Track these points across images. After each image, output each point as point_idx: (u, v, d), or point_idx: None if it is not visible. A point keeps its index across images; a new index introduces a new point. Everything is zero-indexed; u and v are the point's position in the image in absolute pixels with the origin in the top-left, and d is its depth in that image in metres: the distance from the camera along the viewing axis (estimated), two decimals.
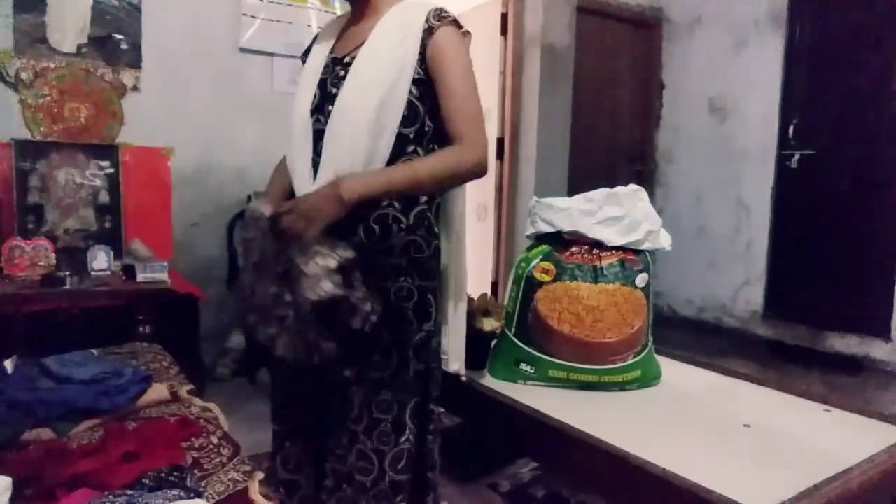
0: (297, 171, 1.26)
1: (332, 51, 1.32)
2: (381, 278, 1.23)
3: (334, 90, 1.24)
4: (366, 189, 1.15)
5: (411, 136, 1.23)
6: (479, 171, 1.24)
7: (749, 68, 4.04)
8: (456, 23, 1.24)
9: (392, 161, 1.21)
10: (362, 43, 1.24)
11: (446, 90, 1.21)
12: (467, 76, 1.23)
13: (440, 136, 1.26)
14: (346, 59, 1.26)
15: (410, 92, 1.21)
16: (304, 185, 1.24)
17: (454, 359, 1.53)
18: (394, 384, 1.25)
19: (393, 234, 1.23)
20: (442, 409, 1.42)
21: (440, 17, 1.22)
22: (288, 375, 1.34)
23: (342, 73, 1.25)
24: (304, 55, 1.42)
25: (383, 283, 1.23)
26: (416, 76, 1.21)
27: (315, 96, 1.27)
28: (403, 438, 1.25)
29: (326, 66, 1.30)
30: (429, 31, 1.21)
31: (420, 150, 1.24)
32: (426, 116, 1.24)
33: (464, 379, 1.62)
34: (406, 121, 1.21)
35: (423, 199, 1.27)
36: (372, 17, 1.28)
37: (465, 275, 1.47)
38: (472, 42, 1.30)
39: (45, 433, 1.27)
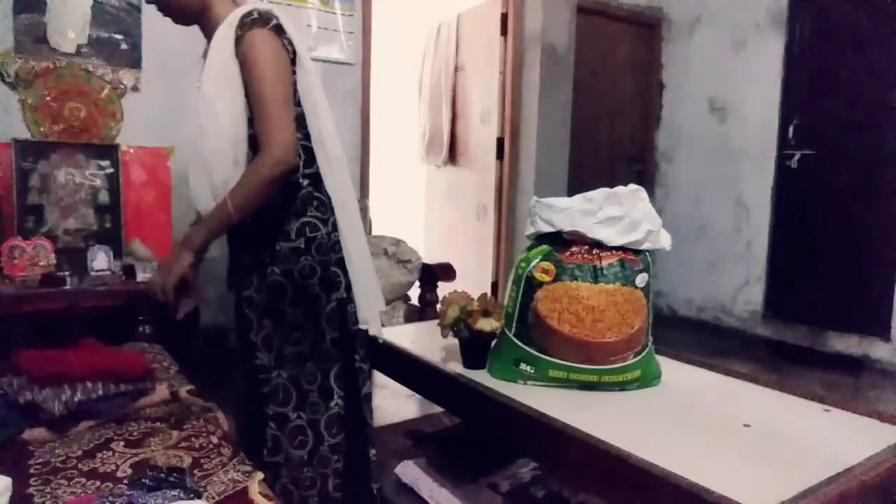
0: (190, 186, 1.41)
1: (203, 53, 1.46)
2: (284, 262, 1.38)
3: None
4: (202, 238, 1.35)
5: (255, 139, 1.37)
6: (282, 170, 1.31)
7: (749, 68, 4.04)
8: (260, 21, 1.31)
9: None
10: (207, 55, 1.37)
11: (249, 97, 1.32)
12: (263, 77, 1.30)
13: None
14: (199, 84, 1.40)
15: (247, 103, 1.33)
16: (195, 198, 1.40)
17: (371, 322, 1.56)
18: (314, 355, 1.43)
19: (286, 221, 1.38)
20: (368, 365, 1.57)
21: (244, 23, 1.31)
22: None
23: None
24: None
25: (287, 266, 1.38)
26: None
27: None
28: (332, 403, 1.43)
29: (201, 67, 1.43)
30: (237, 43, 1.30)
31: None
32: None
33: (385, 342, 1.70)
34: (251, 124, 1.34)
35: (304, 181, 1.40)
36: (213, 28, 1.37)
37: (363, 243, 1.54)
38: (288, 31, 1.37)
39: (44, 434, 1.27)
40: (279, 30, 1.34)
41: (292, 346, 1.41)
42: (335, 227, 1.45)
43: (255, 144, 1.34)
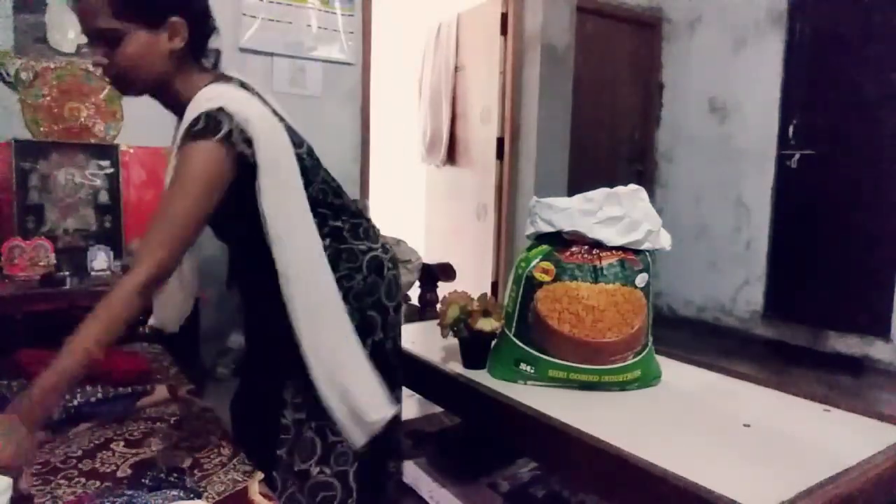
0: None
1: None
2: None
3: None
4: (42, 406, 0.97)
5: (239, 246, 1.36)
6: (142, 289, 1.06)
7: (749, 68, 4.04)
8: (210, 132, 1.10)
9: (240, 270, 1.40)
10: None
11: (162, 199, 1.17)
12: (177, 188, 1.12)
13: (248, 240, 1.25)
14: None
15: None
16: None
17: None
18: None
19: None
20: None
21: (191, 134, 1.11)
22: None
23: None
24: None
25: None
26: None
27: None
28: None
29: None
30: (179, 149, 1.13)
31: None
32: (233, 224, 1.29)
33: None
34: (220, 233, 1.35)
35: (326, 241, 1.27)
36: (180, 121, 1.22)
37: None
38: (254, 130, 1.14)
39: (42, 436, 1.27)
40: (231, 141, 1.11)
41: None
42: (370, 271, 1.36)
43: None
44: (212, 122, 1.10)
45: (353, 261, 1.34)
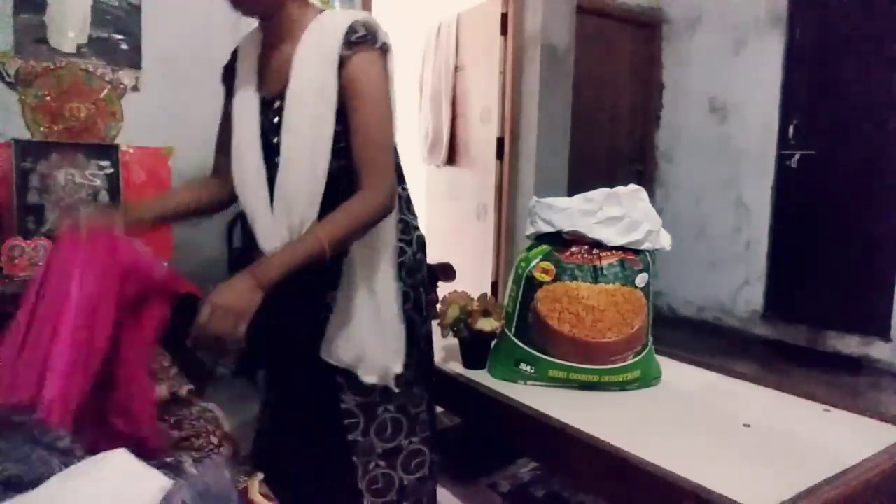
0: (259, 221, 1.23)
1: (258, 88, 1.27)
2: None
3: (275, 139, 1.21)
4: (280, 272, 1.10)
5: (340, 171, 1.19)
6: (383, 214, 1.17)
7: (749, 68, 4.04)
8: (370, 42, 1.16)
9: (325, 200, 1.17)
10: (286, 82, 1.18)
11: (353, 125, 1.16)
12: (372, 114, 1.15)
13: None
14: (276, 105, 1.22)
15: (336, 126, 1.16)
16: (266, 235, 1.22)
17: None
18: (418, 378, 1.33)
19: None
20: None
21: (352, 43, 1.15)
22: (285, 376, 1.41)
23: (276, 119, 1.21)
24: (226, 73, 1.37)
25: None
26: (337, 107, 1.16)
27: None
28: (433, 419, 1.38)
29: (260, 107, 1.25)
30: (342, 63, 1.15)
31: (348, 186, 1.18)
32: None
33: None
34: (336, 155, 1.17)
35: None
36: (288, 41, 1.22)
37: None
38: (391, 50, 1.21)
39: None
40: (386, 50, 1.19)
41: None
42: (419, 248, 1.38)
43: (332, 180, 1.18)
44: (370, 31, 1.16)
45: (406, 233, 1.35)
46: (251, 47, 1.33)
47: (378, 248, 1.23)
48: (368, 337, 1.22)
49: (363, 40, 1.15)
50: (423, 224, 1.50)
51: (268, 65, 1.28)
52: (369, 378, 1.24)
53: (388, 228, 1.24)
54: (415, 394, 1.33)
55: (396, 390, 1.27)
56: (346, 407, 1.27)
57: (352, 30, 1.15)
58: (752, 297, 4.06)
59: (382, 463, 1.29)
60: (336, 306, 1.24)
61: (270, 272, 1.09)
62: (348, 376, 1.26)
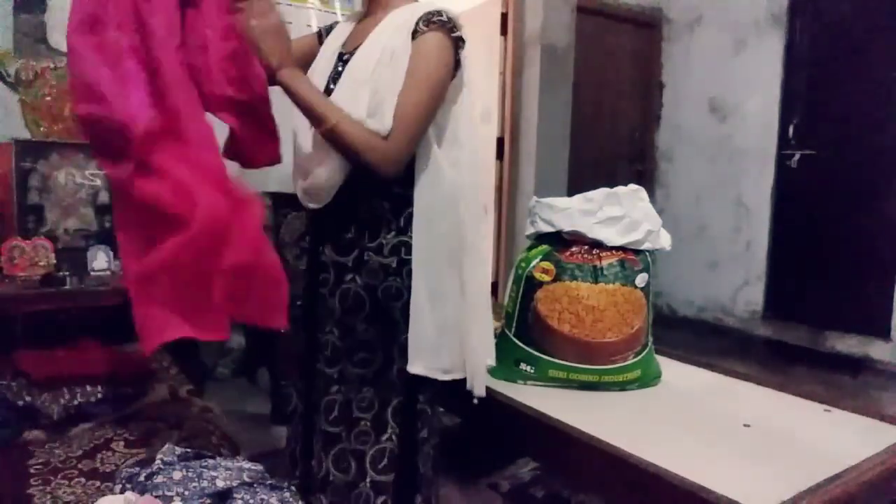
0: (300, 155, 1.31)
1: (343, 45, 1.37)
2: (370, 276, 1.27)
3: (332, 86, 1.30)
4: (294, 85, 1.21)
5: None
6: (372, 165, 1.21)
7: (749, 68, 4.04)
8: (446, 27, 1.23)
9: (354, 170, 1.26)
10: (364, 41, 1.28)
11: (402, 88, 1.22)
12: (425, 83, 1.22)
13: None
14: (346, 56, 1.31)
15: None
16: (304, 170, 1.30)
17: (476, 378, 1.36)
18: (376, 382, 1.29)
19: (383, 234, 1.28)
20: (441, 409, 1.43)
21: (429, 21, 1.23)
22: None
23: (341, 69, 1.31)
24: (323, 34, 1.49)
25: (372, 281, 1.27)
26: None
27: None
28: (385, 437, 1.29)
29: (336, 60, 1.35)
30: (414, 35, 1.23)
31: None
32: None
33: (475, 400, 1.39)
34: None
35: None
36: (380, 15, 1.31)
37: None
38: (467, 45, 1.30)
39: (41, 437, 1.27)
40: (459, 44, 1.27)
41: (355, 368, 1.29)
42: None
43: None
44: (451, 19, 1.24)
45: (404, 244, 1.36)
46: (351, 20, 1.44)
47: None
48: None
49: (441, 23, 1.23)
50: None
51: (356, 30, 1.38)
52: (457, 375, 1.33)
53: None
54: (364, 395, 1.30)
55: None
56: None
57: (436, 12, 1.24)
58: (752, 297, 4.06)
59: (321, 441, 1.32)
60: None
61: (291, 73, 1.21)
62: (342, 369, 1.30)
